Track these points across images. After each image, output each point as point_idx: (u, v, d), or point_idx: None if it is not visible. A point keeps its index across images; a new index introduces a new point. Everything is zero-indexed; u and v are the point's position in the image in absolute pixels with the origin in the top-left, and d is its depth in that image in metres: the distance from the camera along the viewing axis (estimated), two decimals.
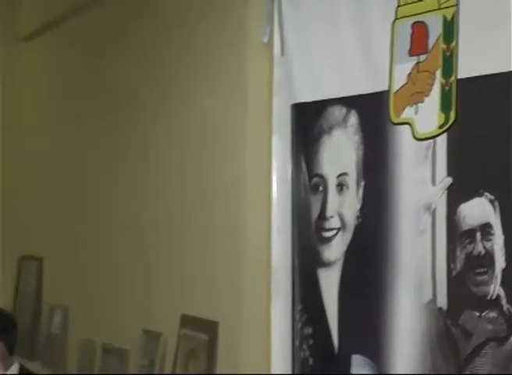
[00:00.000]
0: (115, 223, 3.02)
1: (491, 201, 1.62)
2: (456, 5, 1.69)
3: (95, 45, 3.22)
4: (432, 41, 1.73)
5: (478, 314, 1.63)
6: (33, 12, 3.76)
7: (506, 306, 1.58)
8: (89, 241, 3.22)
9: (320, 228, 2.05)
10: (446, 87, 1.70)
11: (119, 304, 2.94)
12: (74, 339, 3.24)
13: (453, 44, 1.69)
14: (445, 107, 1.70)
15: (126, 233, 2.94)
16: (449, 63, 1.70)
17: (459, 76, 1.68)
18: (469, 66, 1.66)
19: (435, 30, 1.72)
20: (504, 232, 1.58)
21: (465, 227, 1.66)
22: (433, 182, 1.73)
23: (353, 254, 1.96)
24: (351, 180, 1.96)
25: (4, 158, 3.89)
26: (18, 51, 3.85)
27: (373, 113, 1.89)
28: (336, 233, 2.00)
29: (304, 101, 2.13)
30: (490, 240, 1.61)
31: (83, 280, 3.25)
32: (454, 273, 1.68)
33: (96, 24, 3.19)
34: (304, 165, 2.13)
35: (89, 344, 3.10)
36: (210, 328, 2.31)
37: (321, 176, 2.06)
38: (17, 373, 3.03)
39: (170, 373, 2.51)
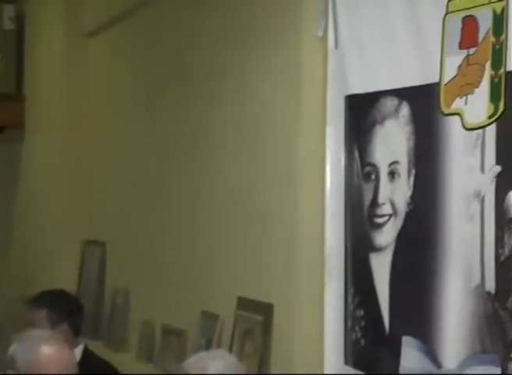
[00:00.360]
0: (175, 208, 3.07)
1: None
2: None
3: (158, 39, 3.24)
4: (481, 35, 1.75)
5: None
6: (97, 8, 3.78)
7: None
8: (150, 226, 3.27)
9: (372, 214, 2.09)
10: (496, 79, 1.72)
11: (178, 287, 2.99)
12: (135, 320, 3.30)
13: (503, 37, 1.71)
14: (494, 98, 1.73)
15: (185, 219, 2.98)
16: (498, 56, 1.72)
17: (508, 69, 1.70)
18: None
19: (485, 23, 1.74)
20: None
21: None
22: (482, 170, 1.76)
23: (404, 239, 1.99)
24: (402, 168, 1.99)
25: (70, 149, 3.97)
26: (82, 48, 3.84)
27: (424, 104, 1.92)
28: (388, 220, 2.03)
29: (357, 92, 2.16)
30: None
31: (144, 264, 3.30)
32: (502, 259, 1.71)
33: (158, 18, 3.22)
34: (356, 154, 2.16)
35: (149, 325, 3.16)
36: (265, 310, 2.36)
37: (373, 165, 2.10)
38: (81, 353, 3.08)
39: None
